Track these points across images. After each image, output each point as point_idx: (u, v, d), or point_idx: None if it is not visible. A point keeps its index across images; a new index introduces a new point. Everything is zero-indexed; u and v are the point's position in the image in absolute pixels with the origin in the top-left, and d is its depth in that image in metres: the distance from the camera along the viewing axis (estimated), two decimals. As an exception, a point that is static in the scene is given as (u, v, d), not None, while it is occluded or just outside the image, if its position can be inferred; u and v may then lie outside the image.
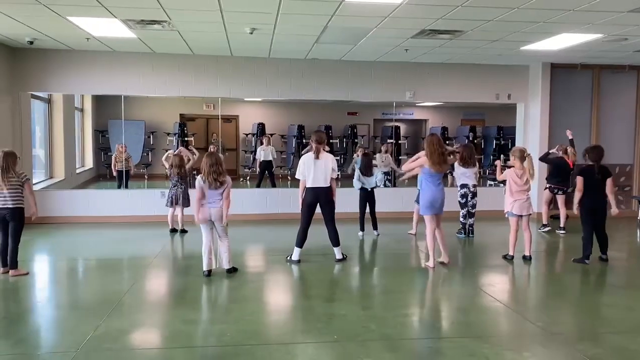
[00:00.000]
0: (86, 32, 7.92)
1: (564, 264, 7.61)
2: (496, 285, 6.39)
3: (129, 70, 9.91)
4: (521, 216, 7.09)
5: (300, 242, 6.95)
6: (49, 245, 8.34)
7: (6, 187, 6.09)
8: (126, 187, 11.49)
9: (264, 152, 12.84)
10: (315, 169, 6.76)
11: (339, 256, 7.05)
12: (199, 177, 6.17)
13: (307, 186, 6.83)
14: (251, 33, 7.77)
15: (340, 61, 10.37)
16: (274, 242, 8.57)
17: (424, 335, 4.78)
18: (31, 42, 8.64)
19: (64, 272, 7.04)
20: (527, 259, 7.20)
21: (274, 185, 12.82)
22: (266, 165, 12.82)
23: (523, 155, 7.03)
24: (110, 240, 8.60)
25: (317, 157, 6.77)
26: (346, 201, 9.65)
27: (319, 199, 6.84)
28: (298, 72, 10.38)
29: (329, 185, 6.83)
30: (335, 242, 7.04)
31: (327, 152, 7.14)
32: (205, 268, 6.26)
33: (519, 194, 7.01)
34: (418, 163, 6.85)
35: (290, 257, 7.01)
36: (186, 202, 8.72)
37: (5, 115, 9.29)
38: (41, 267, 7.28)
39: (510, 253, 7.21)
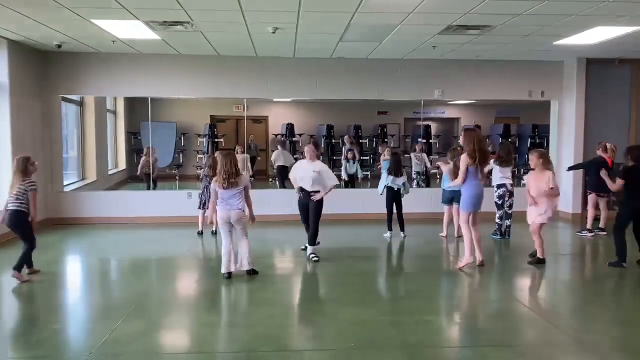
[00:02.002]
0: (111, 34, 7.97)
1: (600, 267, 7.27)
2: (527, 289, 6.15)
3: (155, 72, 9.96)
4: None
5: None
6: (74, 246, 8.44)
7: (14, 190, 6.13)
8: (154, 188, 11.58)
9: (283, 157, 12.69)
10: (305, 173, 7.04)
11: (313, 258, 7.07)
12: (213, 180, 6.12)
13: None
14: (274, 32, 7.68)
15: (367, 59, 10.19)
16: (299, 243, 8.46)
17: (445, 344, 4.59)
18: (59, 46, 8.77)
19: (86, 273, 7.11)
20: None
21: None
22: (282, 170, 12.46)
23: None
24: (135, 241, 8.65)
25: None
26: (371, 202, 9.52)
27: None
28: (323, 71, 10.25)
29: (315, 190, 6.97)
30: (311, 240, 7.12)
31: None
32: (224, 270, 6.19)
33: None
34: (464, 166, 6.54)
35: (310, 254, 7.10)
36: None
37: (36, 118, 9.46)
38: (62, 267, 7.31)
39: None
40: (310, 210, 7.04)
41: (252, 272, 6.31)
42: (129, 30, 7.78)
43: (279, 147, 13.20)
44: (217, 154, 8.73)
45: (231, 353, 4.25)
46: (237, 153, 11.69)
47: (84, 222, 9.70)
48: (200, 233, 8.82)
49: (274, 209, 9.93)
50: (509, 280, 6.44)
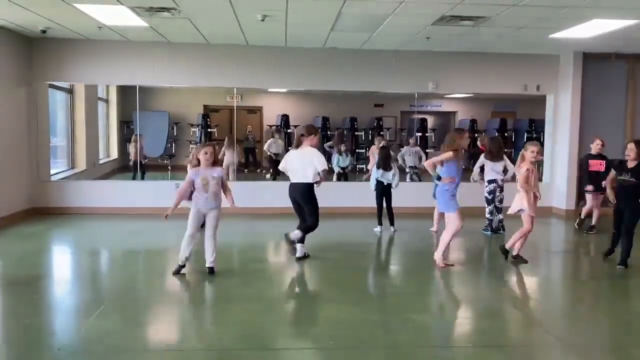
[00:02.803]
0: (96, 20, 7.77)
1: (594, 267, 7.14)
2: (516, 288, 6.00)
3: (145, 60, 9.75)
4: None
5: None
6: (56, 237, 8.29)
7: None
8: (142, 177, 11.46)
9: (275, 145, 12.55)
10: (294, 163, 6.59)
11: (299, 254, 6.60)
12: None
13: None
14: (262, 20, 7.49)
15: (360, 50, 9.99)
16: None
17: (431, 343, 4.42)
18: (44, 31, 8.55)
19: (65, 264, 6.98)
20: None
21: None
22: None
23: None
24: (118, 232, 8.50)
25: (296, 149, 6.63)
26: (361, 195, 9.36)
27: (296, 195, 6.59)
28: (315, 62, 10.04)
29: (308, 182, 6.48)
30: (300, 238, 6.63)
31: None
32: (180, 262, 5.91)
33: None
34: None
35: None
36: None
37: (21, 105, 9.25)
38: (41, 259, 7.07)
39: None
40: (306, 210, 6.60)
41: (212, 271, 5.97)
42: (115, 16, 7.59)
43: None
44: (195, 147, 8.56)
45: (208, 351, 4.09)
46: (225, 146, 11.57)
47: (70, 212, 9.52)
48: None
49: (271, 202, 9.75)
50: (498, 278, 6.30)
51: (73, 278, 6.35)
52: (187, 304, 5.27)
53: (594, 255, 7.73)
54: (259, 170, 14.94)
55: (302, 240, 6.61)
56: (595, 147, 8.53)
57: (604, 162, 8.35)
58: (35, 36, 9.09)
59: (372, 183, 8.43)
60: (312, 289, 6.00)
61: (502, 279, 6.23)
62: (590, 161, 8.50)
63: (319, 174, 6.47)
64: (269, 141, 13.12)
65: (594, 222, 8.61)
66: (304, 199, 6.54)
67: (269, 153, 12.70)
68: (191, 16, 7.59)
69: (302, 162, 6.49)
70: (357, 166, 13.71)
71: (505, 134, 15.69)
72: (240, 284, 5.78)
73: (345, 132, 15.13)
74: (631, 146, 6.40)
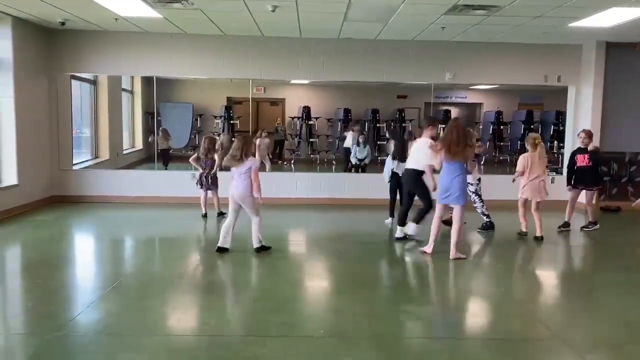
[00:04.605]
0: (111, 11, 7.90)
1: (594, 260, 6.96)
2: (510, 280, 5.92)
3: (162, 51, 9.86)
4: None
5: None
6: (73, 223, 8.50)
7: None
8: (165, 167, 11.70)
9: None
10: None
11: (412, 231, 7.25)
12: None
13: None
14: (273, 10, 7.49)
15: (375, 41, 9.90)
16: (292, 226, 8.36)
17: (419, 335, 4.41)
18: (63, 23, 8.74)
19: (75, 250, 7.16)
20: (538, 240, 7.31)
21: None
22: None
23: (534, 143, 7.24)
24: (133, 220, 8.68)
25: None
26: (374, 187, 9.32)
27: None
28: (330, 53, 9.99)
29: None
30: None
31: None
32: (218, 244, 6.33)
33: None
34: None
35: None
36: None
37: (43, 95, 9.50)
38: (55, 245, 7.16)
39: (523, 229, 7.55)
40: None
41: (260, 250, 6.37)
42: (129, 7, 7.71)
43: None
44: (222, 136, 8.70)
45: (197, 337, 4.16)
46: (262, 137, 11.79)
47: (90, 200, 9.75)
48: (205, 215, 8.66)
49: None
50: (493, 270, 6.22)
51: (79, 264, 6.50)
52: (186, 290, 5.34)
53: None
54: (284, 163, 15.08)
55: (418, 221, 7.19)
56: (580, 141, 7.94)
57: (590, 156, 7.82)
58: (55, 28, 9.30)
59: (387, 174, 8.22)
60: (308, 279, 5.98)
61: (495, 271, 6.14)
62: (577, 156, 7.95)
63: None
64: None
65: (591, 218, 8.08)
66: (412, 184, 7.17)
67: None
68: (203, 7, 7.65)
69: (415, 150, 7.13)
70: (379, 158, 13.60)
71: (532, 126, 15.39)
72: (238, 272, 5.85)
73: (366, 123, 15.08)
74: None
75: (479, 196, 7.81)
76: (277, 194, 9.56)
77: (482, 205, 7.86)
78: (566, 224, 8.02)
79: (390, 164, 8.17)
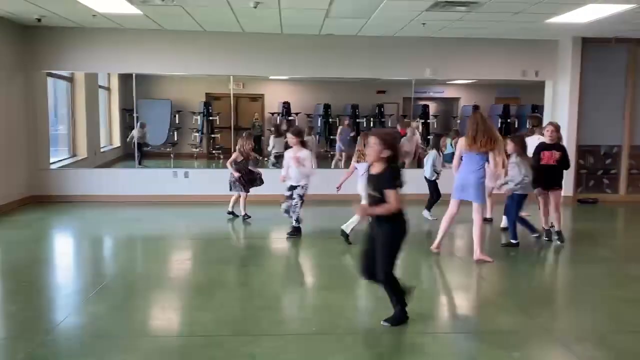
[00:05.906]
0: (89, 8, 7.77)
1: (580, 252, 7.10)
2: (498, 274, 6.00)
3: (141, 48, 9.74)
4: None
5: None
6: (54, 224, 8.37)
7: None
8: (139, 164, 11.61)
9: None
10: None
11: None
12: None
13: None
14: (255, 7, 7.46)
15: (357, 37, 9.92)
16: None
17: (409, 330, 4.45)
18: (39, 20, 8.57)
19: (57, 252, 7.06)
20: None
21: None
22: None
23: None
24: (117, 220, 8.56)
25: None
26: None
27: None
28: (311, 48, 9.98)
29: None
30: None
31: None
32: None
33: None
34: (457, 151, 6.37)
35: None
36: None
37: (18, 93, 9.29)
38: (36, 246, 7.09)
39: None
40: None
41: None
42: (107, 4, 7.60)
43: None
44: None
45: (187, 337, 4.14)
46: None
47: (69, 200, 9.60)
48: (247, 216, 8.35)
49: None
50: (484, 264, 6.30)
51: (63, 265, 6.40)
52: (174, 290, 5.30)
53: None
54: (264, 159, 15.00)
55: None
56: (547, 135, 6.97)
57: (559, 153, 6.90)
58: (30, 24, 9.10)
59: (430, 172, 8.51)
60: (299, 275, 6.01)
61: (485, 266, 6.24)
62: (542, 152, 6.93)
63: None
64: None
65: (556, 227, 7.06)
66: None
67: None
68: (184, 3, 7.57)
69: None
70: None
71: (508, 120, 15.62)
72: (227, 270, 5.83)
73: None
74: None
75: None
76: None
77: None
78: (548, 233, 7.19)
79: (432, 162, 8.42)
